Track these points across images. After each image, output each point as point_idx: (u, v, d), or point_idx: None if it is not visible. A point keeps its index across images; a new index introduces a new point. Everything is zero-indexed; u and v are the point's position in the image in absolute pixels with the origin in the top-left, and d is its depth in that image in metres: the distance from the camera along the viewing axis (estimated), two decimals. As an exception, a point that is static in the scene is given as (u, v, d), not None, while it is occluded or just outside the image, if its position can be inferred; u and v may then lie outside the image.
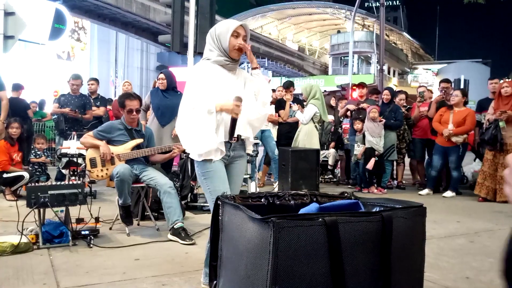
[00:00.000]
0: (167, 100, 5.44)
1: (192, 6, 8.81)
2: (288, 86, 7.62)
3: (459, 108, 6.71)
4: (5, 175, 5.77)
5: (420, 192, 6.93)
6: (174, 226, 3.90)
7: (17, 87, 8.88)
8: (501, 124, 6.10)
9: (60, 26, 21.21)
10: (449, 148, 6.67)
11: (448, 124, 6.66)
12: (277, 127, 7.51)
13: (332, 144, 8.14)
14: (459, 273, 3.18)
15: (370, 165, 6.93)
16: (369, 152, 6.97)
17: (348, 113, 8.17)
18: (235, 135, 2.60)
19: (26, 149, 7.20)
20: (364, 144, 7.02)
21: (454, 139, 6.58)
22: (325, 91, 14.19)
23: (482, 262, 3.44)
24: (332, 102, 8.95)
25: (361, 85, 8.38)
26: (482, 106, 7.00)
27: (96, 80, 7.80)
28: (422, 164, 7.78)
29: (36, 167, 7.01)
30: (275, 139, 7.33)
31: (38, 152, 7.06)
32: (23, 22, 8.95)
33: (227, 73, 2.63)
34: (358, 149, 7.07)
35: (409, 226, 1.53)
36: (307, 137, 6.54)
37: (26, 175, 5.82)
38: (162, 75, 5.66)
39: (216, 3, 8.79)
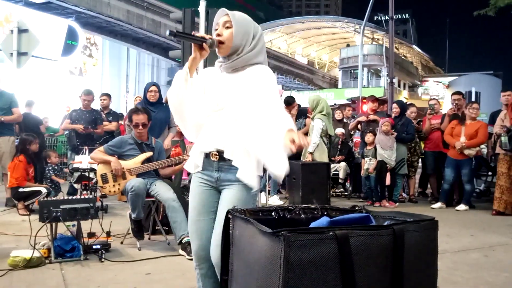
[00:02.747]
0: (155, 114, 5.23)
1: (202, 21, 8.91)
2: (291, 102, 7.62)
3: (471, 121, 6.66)
4: (20, 189, 5.83)
5: (433, 206, 6.85)
6: (182, 241, 3.89)
7: (29, 103, 9.03)
8: (503, 139, 6.06)
9: (73, 42, 21.56)
10: (461, 161, 6.60)
11: (459, 137, 6.60)
12: None
13: (340, 157, 8.10)
14: None
15: (388, 180, 6.90)
16: (380, 166, 6.94)
17: (359, 126, 8.16)
18: (214, 150, 2.06)
19: (38, 164, 7.28)
20: (376, 157, 6.99)
21: (466, 151, 6.52)
22: (335, 104, 14.18)
23: (497, 277, 3.39)
24: (338, 116, 8.84)
25: (374, 99, 8.33)
26: (495, 118, 6.94)
27: (108, 95, 7.89)
28: (434, 177, 7.71)
29: (50, 184, 7.04)
30: None
31: (55, 167, 7.06)
32: (36, 39, 9.12)
33: (219, 76, 2.13)
34: (371, 163, 7.02)
35: (421, 239, 1.51)
36: (316, 152, 6.51)
37: (44, 190, 5.87)
38: (155, 88, 5.56)
39: (226, 18, 8.86)
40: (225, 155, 2.02)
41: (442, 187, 7.01)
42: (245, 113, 1.99)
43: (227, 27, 2.04)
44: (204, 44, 2.02)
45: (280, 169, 1.86)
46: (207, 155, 2.09)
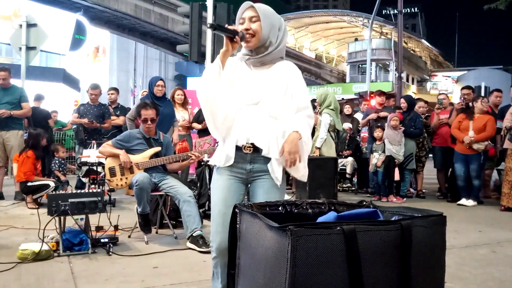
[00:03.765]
0: (162, 109, 5.25)
1: (209, 15, 8.91)
2: None
3: (480, 114, 6.59)
4: (29, 183, 5.87)
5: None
6: (193, 234, 3.91)
7: (38, 97, 9.09)
8: None
9: (81, 36, 21.66)
10: (470, 156, 6.54)
11: (468, 131, 6.53)
12: None
13: (348, 152, 8.09)
14: (481, 284, 3.12)
15: (397, 176, 6.88)
16: (388, 161, 6.91)
17: (363, 121, 8.14)
18: (249, 143, 2.11)
19: (46, 158, 7.33)
20: (384, 152, 6.96)
21: (475, 146, 6.45)
22: (342, 99, 14.12)
23: (505, 273, 3.37)
24: (347, 110, 8.84)
25: (380, 93, 8.29)
26: (504, 113, 6.86)
27: (116, 89, 7.91)
28: (442, 172, 7.66)
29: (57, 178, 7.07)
30: None
31: (62, 161, 7.09)
32: (44, 34, 9.18)
33: (248, 70, 2.17)
34: (380, 158, 7.00)
35: (428, 235, 1.51)
36: (323, 147, 6.49)
37: (52, 184, 5.92)
38: (162, 82, 5.59)
39: (233, 12, 8.87)
40: (261, 147, 2.09)
41: (457, 185, 6.82)
42: (279, 109, 2.09)
43: (254, 21, 2.08)
44: (236, 37, 2.02)
45: (301, 175, 2.12)
46: (239, 148, 2.12)
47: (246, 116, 2.10)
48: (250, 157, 2.12)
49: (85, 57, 23.30)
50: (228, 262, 1.77)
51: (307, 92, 2.22)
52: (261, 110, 2.09)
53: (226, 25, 2.05)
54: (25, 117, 7.03)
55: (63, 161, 7.07)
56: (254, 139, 2.09)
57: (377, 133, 7.16)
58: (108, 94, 7.70)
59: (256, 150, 2.10)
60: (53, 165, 6.92)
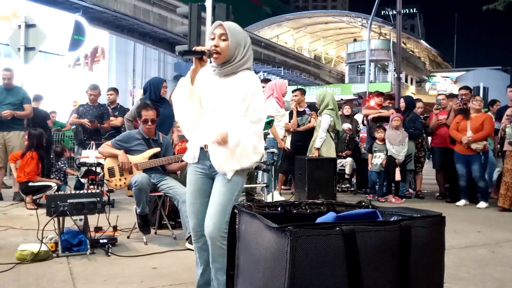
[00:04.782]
0: (163, 110, 5.15)
1: (208, 16, 8.91)
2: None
3: (476, 114, 6.59)
4: (30, 184, 5.87)
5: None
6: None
7: (37, 98, 9.06)
8: (508, 130, 6.01)
9: (80, 37, 21.61)
10: (470, 157, 6.52)
11: (466, 131, 6.53)
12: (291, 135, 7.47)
13: (347, 152, 8.10)
14: (480, 284, 3.12)
15: (397, 176, 6.88)
16: (389, 161, 6.92)
17: (364, 121, 8.13)
18: (207, 143, 2.43)
19: (46, 159, 7.32)
20: (387, 152, 6.98)
21: (473, 146, 6.44)
22: (341, 99, 14.14)
23: (504, 273, 3.37)
24: (346, 111, 8.85)
25: (378, 93, 8.29)
26: (502, 114, 6.86)
27: (116, 90, 7.90)
28: (441, 173, 7.67)
29: (63, 178, 7.05)
30: (288, 147, 7.28)
31: (70, 162, 7.08)
32: (43, 34, 9.15)
33: (214, 80, 2.46)
34: (383, 158, 7.00)
35: (428, 235, 1.51)
36: (323, 147, 6.49)
37: (54, 185, 5.91)
38: (165, 83, 5.60)
39: (232, 13, 8.88)
40: (209, 149, 2.41)
41: (459, 184, 6.82)
42: (235, 115, 2.36)
43: (223, 39, 2.37)
44: (204, 56, 2.33)
45: (219, 163, 2.36)
46: (201, 148, 2.47)
47: (207, 121, 2.43)
48: (209, 154, 2.42)
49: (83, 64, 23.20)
50: (227, 262, 1.78)
51: (262, 100, 2.48)
52: (219, 116, 2.40)
53: (194, 48, 2.36)
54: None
55: (71, 162, 7.09)
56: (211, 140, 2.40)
57: (379, 133, 7.16)
58: (107, 95, 7.69)
59: None
60: (62, 165, 6.91)
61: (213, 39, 2.39)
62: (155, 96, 5.31)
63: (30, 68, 9.03)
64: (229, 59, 2.39)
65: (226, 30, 2.37)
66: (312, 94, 16.22)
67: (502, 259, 3.80)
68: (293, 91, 7.60)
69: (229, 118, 2.36)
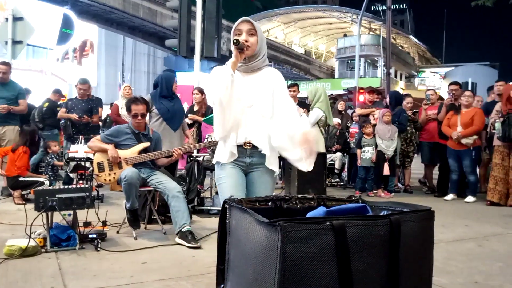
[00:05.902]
0: (173, 105, 5.20)
1: (198, 10, 8.86)
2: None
3: (466, 109, 6.65)
4: (20, 179, 5.81)
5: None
6: (182, 230, 3.90)
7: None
8: (497, 125, 6.08)
9: (68, 30, 21.40)
10: (461, 152, 6.59)
11: (456, 126, 6.59)
12: None
13: (336, 146, 8.13)
14: (468, 277, 3.16)
15: (386, 170, 6.92)
16: (378, 156, 6.96)
17: (356, 118, 8.16)
18: (247, 141, 2.46)
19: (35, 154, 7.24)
20: (376, 147, 7.03)
21: (464, 141, 6.50)
22: (331, 94, 14.16)
23: (491, 267, 3.41)
24: (341, 107, 8.90)
25: (370, 90, 8.31)
26: (489, 109, 6.92)
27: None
28: (429, 167, 7.73)
29: (50, 173, 6.98)
30: None
31: (54, 155, 6.98)
32: (31, 27, 9.05)
33: (240, 77, 2.47)
34: (373, 153, 7.04)
35: (417, 230, 1.52)
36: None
37: (46, 182, 5.85)
38: (176, 78, 5.55)
39: (223, 7, 8.83)
40: (257, 145, 2.46)
41: (450, 178, 6.89)
42: (269, 110, 2.45)
43: (251, 34, 2.43)
44: (244, 49, 2.36)
45: (303, 166, 2.44)
46: (239, 145, 2.47)
47: (243, 118, 2.44)
48: (249, 152, 2.48)
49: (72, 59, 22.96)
50: (217, 257, 1.78)
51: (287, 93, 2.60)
52: (255, 112, 2.44)
53: (242, 41, 2.38)
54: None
55: (57, 157, 6.99)
56: (251, 137, 2.46)
57: (367, 128, 7.20)
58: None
59: (253, 146, 2.47)
60: (50, 159, 6.84)
61: (239, 34, 2.43)
62: (167, 91, 5.15)
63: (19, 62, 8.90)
64: (255, 54, 2.47)
65: (254, 26, 2.45)
66: (303, 89, 16.21)
67: (489, 252, 3.85)
68: (289, 86, 7.59)
69: (264, 113, 2.44)
